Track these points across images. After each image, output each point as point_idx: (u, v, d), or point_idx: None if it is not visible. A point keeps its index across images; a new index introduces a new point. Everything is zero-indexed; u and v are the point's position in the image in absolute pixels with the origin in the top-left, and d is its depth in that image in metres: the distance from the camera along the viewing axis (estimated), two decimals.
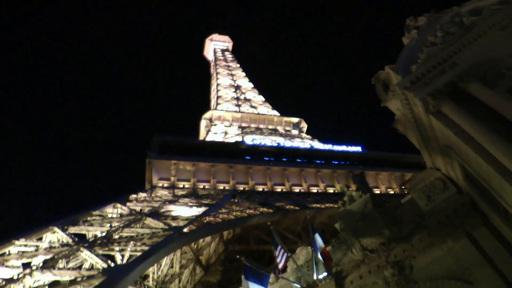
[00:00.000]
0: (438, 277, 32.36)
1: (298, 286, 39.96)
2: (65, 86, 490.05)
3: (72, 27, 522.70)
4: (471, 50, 29.22)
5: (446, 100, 28.38)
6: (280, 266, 39.44)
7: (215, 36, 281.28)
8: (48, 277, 54.34)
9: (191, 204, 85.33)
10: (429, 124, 30.95)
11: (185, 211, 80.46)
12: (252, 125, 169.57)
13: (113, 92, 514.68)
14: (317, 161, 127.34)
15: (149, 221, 70.89)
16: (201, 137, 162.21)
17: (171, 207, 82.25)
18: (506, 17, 29.59)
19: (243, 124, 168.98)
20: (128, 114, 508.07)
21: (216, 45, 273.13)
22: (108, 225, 72.92)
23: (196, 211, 79.91)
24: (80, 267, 60.03)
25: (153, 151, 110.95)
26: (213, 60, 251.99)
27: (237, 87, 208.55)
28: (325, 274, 39.42)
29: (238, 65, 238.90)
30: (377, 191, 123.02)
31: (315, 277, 39.77)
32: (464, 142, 26.67)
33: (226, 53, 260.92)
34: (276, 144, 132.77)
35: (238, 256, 43.89)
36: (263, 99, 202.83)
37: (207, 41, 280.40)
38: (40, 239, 67.40)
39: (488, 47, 28.99)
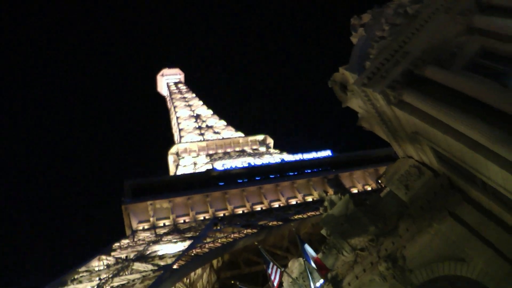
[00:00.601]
0: (431, 261, 32.72)
1: None
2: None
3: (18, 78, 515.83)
4: (419, 37, 29.96)
5: (405, 89, 29.00)
6: (276, 283, 39.47)
7: (165, 70, 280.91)
8: None
9: (175, 240, 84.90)
10: (393, 115, 31.49)
11: (170, 248, 80.00)
12: (219, 151, 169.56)
13: (81, 143, 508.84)
14: (290, 173, 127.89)
15: (137, 265, 70.30)
16: (172, 173, 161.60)
17: (156, 247, 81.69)
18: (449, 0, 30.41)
19: (210, 152, 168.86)
20: (96, 164, 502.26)
21: (168, 79, 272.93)
22: (97, 278, 72.02)
23: (182, 246, 79.53)
24: None
25: (127, 196, 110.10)
26: (168, 95, 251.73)
27: (197, 117, 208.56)
28: (321, 281, 39.53)
29: (194, 95, 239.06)
30: (354, 191, 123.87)
31: (312, 287, 39.85)
32: (430, 125, 27.23)
33: (180, 85, 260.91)
34: (247, 165, 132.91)
35: (232, 282, 43.87)
36: (225, 123, 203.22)
37: (159, 77, 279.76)
38: None
39: (436, 31, 29.78)
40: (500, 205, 28.34)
